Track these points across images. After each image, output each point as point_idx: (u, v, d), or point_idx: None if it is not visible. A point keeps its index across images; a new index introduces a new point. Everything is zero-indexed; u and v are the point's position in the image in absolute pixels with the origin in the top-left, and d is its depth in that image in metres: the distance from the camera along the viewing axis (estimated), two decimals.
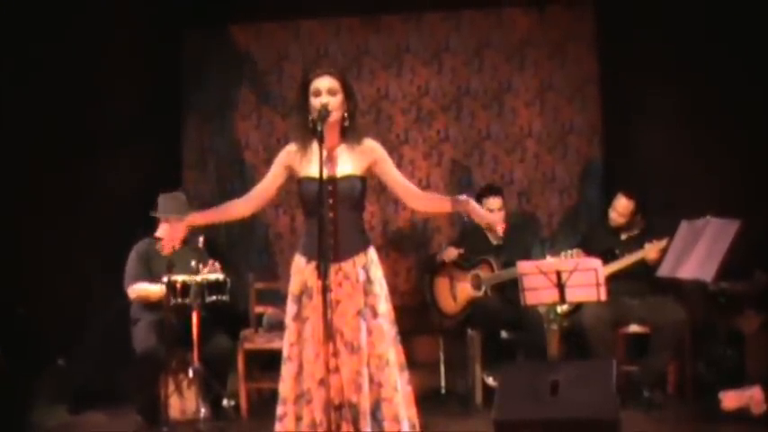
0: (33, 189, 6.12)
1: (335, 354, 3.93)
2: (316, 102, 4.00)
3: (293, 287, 4.08)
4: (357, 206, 4.09)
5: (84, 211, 6.30)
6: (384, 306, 4.06)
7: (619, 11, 6.59)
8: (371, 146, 4.12)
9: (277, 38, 7.12)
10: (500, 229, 4.74)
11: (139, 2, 6.63)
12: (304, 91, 4.07)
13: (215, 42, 7.13)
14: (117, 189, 6.34)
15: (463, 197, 4.13)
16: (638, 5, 6.44)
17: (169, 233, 4.26)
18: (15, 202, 6.02)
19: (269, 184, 4.20)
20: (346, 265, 4.02)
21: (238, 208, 4.24)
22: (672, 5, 6.33)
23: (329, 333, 3.83)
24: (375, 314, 4.01)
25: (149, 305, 5.79)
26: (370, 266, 4.06)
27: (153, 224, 5.97)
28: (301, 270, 4.07)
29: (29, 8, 6.06)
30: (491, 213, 4.12)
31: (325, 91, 4.01)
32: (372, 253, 4.10)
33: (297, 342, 4.02)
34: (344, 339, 3.97)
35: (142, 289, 5.81)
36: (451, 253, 6.17)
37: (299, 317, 4.03)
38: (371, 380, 3.96)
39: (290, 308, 4.07)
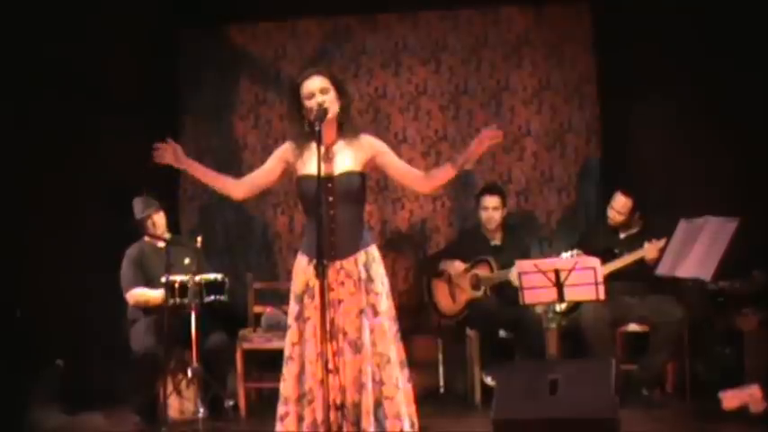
0: (32, 190, 6.11)
1: (337, 353, 3.93)
2: (311, 103, 3.99)
3: (295, 287, 4.08)
4: (357, 203, 4.09)
5: (83, 211, 6.29)
6: (385, 303, 4.05)
7: (615, 10, 6.58)
8: (369, 141, 4.13)
9: (274, 37, 7.09)
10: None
11: (136, 2, 6.60)
12: (295, 96, 4.06)
13: (212, 42, 7.10)
14: (115, 190, 6.32)
15: (460, 158, 4.00)
16: (635, 5, 6.43)
17: (160, 154, 4.19)
18: (14, 203, 6.01)
19: (262, 174, 4.19)
20: (347, 263, 4.02)
21: (229, 185, 4.19)
22: (668, 5, 6.32)
23: (327, 333, 3.82)
24: (376, 312, 4.01)
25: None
26: (372, 264, 4.05)
27: (136, 232, 5.98)
28: (303, 270, 4.07)
29: (27, 11, 6.05)
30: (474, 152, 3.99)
31: (318, 91, 4.00)
32: (374, 250, 4.10)
33: (299, 342, 4.02)
34: (348, 339, 3.98)
35: (141, 294, 5.82)
36: (458, 267, 6.14)
37: (301, 317, 4.03)
38: (373, 378, 3.96)
39: (293, 308, 4.07)
